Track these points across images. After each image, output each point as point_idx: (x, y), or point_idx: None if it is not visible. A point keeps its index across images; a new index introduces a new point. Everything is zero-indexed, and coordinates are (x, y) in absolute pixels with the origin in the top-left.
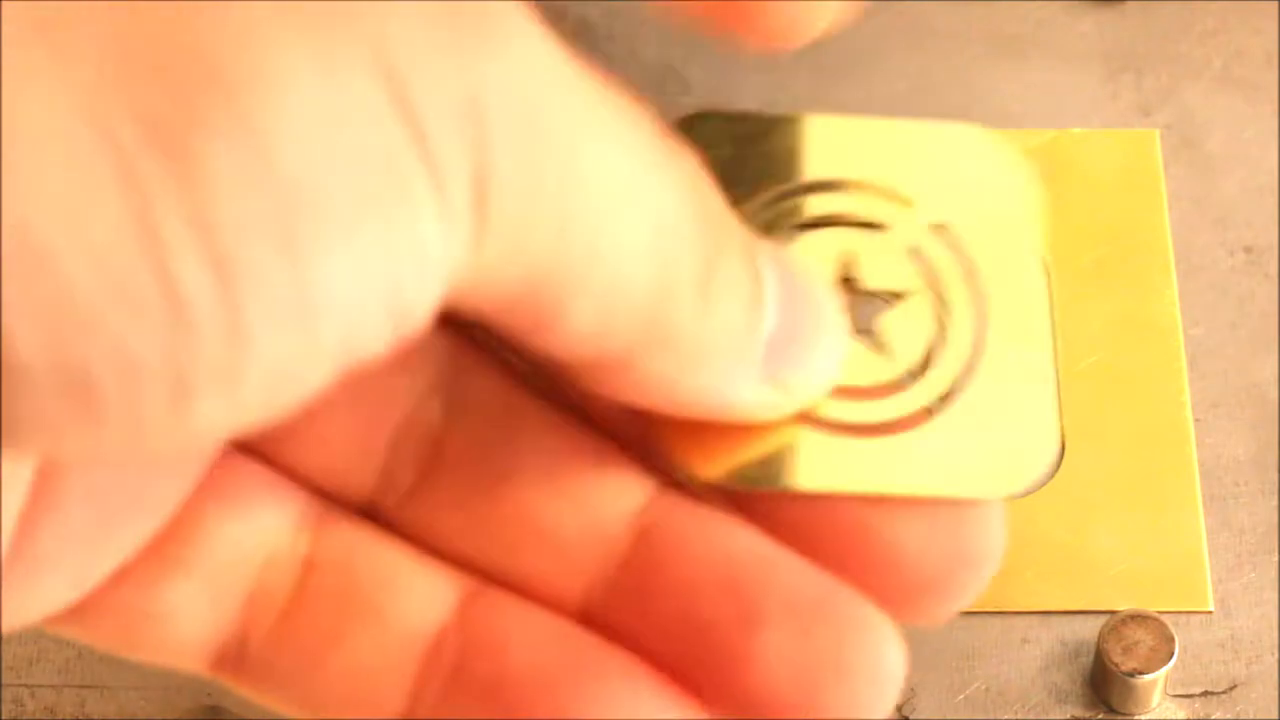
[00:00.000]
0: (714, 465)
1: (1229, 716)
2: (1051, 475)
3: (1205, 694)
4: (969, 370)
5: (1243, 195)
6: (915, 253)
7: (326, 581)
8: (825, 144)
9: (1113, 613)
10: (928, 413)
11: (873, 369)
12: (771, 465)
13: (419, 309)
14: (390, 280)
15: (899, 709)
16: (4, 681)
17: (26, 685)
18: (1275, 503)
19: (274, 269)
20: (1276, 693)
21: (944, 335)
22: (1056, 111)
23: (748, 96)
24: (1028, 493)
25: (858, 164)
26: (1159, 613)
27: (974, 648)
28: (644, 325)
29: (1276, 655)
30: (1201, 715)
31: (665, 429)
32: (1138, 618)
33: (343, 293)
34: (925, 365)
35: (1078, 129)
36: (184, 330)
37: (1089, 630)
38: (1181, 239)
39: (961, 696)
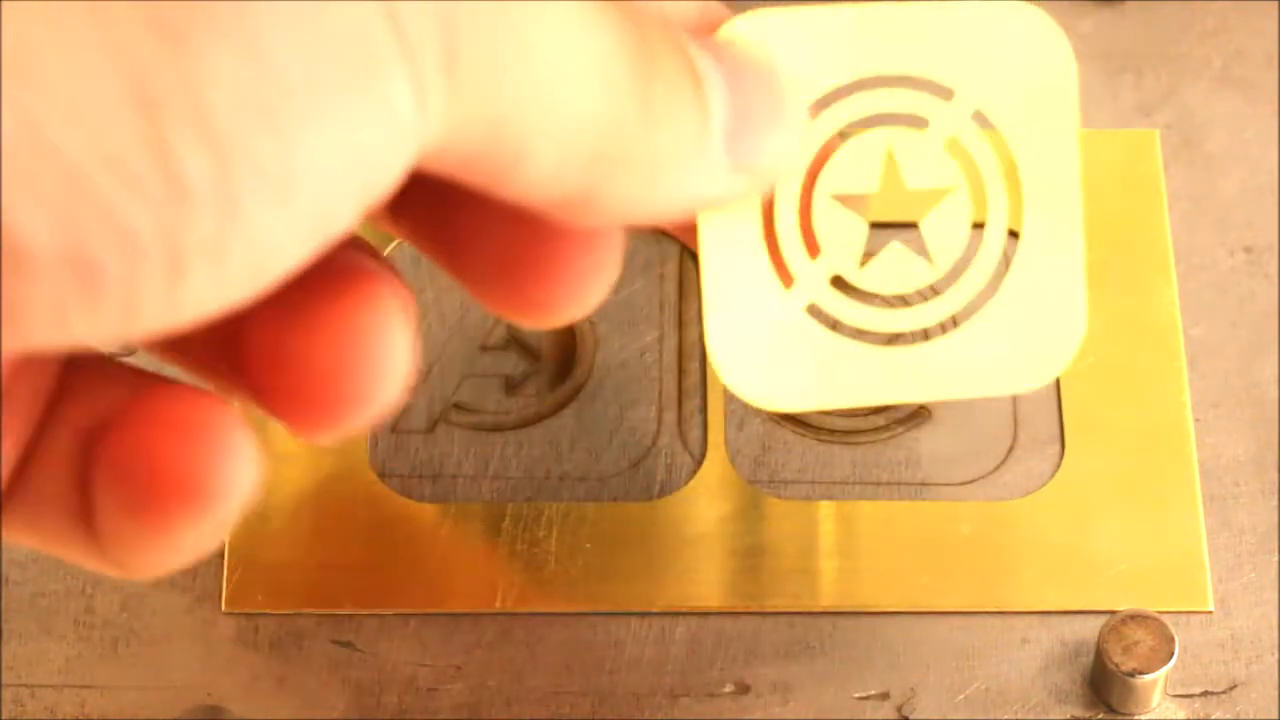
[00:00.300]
0: (762, 390)
1: (1229, 716)
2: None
3: (1205, 694)
4: (1005, 265)
5: (1243, 195)
6: (954, 145)
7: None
8: (870, 36)
9: (1113, 613)
10: (967, 313)
11: (916, 273)
12: (821, 384)
13: (388, 176)
14: (363, 151)
15: (899, 709)
16: (4, 681)
17: (26, 685)
18: (1275, 503)
19: (262, 145)
20: (1276, 693)
21: (981, 232)
22: None
23: None
24: (1054, 377)
25: (901, 55)
26: (1159, 613)
27: (974, 648)
28: (599, 155)
29: (1276, 655)
30: (1201, 715)
31: (723, 357)
32: (1138, 618)
33: (322, 164)
34: (964, 265)
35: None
36: (181, 206)
37: (1089, 630)
38: (1181, 239)
39: (961, 696)
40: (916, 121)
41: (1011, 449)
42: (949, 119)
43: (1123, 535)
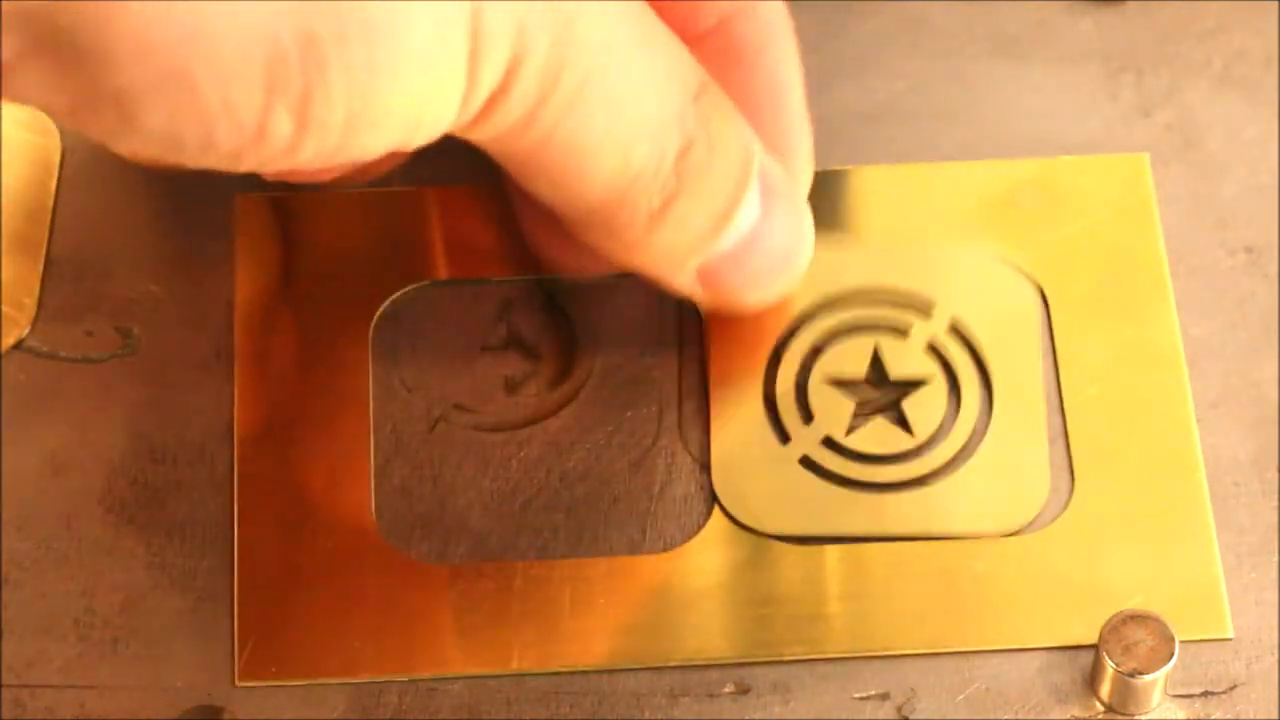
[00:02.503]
0: (768, 520)
1: (1229, 716)
2: (1033, 519)
3: (1205, 694)
4: (976, 438)
5: (1243, 195)
6: (933, 348)
7: None
8: (869, 256)
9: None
10: (944, 470)
11: (896, 441)
12: (812, 519)
13: (431, 134)
14: (412, 120)
15: (899, 709)
16: (4, 682)
17: (26, 685)
18: (1275, 503)
19: (377, 103)
20: (1276, 693)
21: (955, 412)
22: (1056, 111)
23: None
24: (1021, 531)
25: (891, 274)
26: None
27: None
28: (590, 218)
29: (1276, 655)
30: (1201, 715)
31: (724, 489)
32: (1138, 618)
33: (402, 111)
34: (938, 436)
35: (1068, 157)
36: (315, 134)
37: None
38: (1181, 239)
39: (961, 696)
40: (902, 330)
41: None
42: (929, 328)
43: (1137, 566)
